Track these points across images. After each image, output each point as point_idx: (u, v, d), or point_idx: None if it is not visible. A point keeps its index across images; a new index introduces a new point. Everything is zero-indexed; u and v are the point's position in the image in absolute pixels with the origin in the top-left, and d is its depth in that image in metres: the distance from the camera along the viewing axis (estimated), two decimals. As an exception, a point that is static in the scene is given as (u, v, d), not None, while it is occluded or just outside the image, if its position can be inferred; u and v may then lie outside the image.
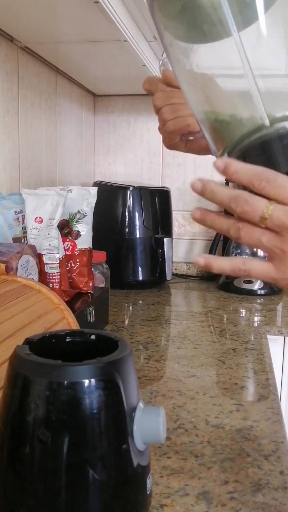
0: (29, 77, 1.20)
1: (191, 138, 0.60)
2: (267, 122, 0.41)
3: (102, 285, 1.17)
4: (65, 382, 0.39)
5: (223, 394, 0.75)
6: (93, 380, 0.39)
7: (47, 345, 0.47)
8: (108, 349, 0.46)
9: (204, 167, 1.68)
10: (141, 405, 0.43)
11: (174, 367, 0.85)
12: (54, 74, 1.36)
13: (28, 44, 1.11)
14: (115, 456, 0.40)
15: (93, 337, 0.48)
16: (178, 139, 0.61)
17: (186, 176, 1.70)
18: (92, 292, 1.03)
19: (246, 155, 0.43)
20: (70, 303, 0.96)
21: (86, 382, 0.39)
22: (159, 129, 0.62)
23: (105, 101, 1.73)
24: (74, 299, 0.99)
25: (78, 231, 1.02)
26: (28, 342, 0.46)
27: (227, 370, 0.84)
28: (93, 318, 0.97)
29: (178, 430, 0.63)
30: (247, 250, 1.55)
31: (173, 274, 1.58)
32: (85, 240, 1.03)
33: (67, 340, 0.48)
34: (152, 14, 0.46)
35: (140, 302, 1.34)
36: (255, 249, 1.53)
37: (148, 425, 0.42)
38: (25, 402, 0.40)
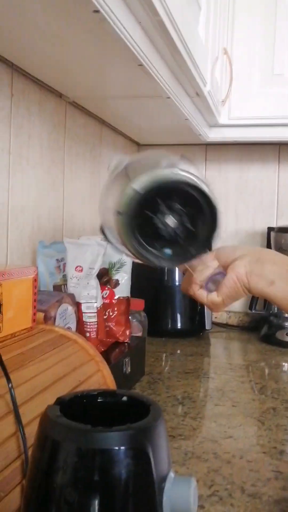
0: (75, 129, 1.24)
1: (207, 285, 0.61)
2: None
3: (140, 334, 1.16)
4: (94, 448, 0.38)
5: (261, 458, 0.71)
6: (122, 448, 0.38)
7: (78, 405, 0.47)
8: (139, 412, 0.45)
9: (245, 216, 1.67)
10: (171, 474, 0.41)
11: (211, 426, 0.82)
12: (99, 125, 1.40)
13: (75, 99, 1.16)
14: (142, 531, 0.38)
15: (124, 398, 0.47)
16: (197, 290, 0.61)
17: (228, 224, 1.69)
18: (128, 341, 1.02)
19: None
20: (106, 353, 0.95)
21: (116, 450, 0.38)
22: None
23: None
24: (110, 348, 0.98)
25: (117, 279, 1.03)
26: (60, 402, 0.45)
27: (266, 432, 0.81)
28: (129, 369, 0.96)
29: (212, 498, 0.60)
30: None
31: (213, 323, 1.56)
32: (123, 289, 1.03)
33: (98, 400, 0.48)
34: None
35: (178, 351, 1.32)
36: None
37: (178, 497, 0.40)
38: (53, 467, 0.39)
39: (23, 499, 0.42)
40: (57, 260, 1.05)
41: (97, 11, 0.60)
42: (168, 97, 0.93)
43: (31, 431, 0.53)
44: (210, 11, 1.05)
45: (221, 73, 1.18)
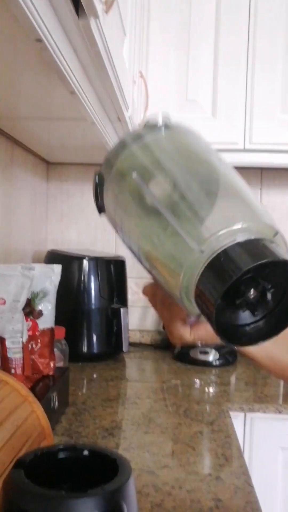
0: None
1: (191, 320, 0.54)
2: (197, 255, 0.40)
3: (61, 363, 1.13)
4: (71, 517, 0.36)
5: (199, 487, 0.73)
6: (99, 513, 0.37)
7: (38, 463, 0.45)
8: (103, 465, 0.44)
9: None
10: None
11: (144, 456, 0.83)
12: (10, 144, 1.36)
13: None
14: None
15: (86, 453, 0.46)
16: (180, 326, 0.55)
17: (139, 244, 1.72)
18: (53, 374, 0.99)
19: (199, 294, 0.41)
20: (32, 389, 0.91)
21: (93, 515, 0.37)
22: (163, 327, 0.61)
23: (59, 169, 1.74)
24: (35, 383, 0.95)
25: (41, 310, 1.00)
26: (20, 464, 0.43)
27: (198, 458, 0.83)
28: (57, 404, 0.93)
29: (161, 537, 0.60)
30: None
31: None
32: (47, 319, 1.00)
33: (59, 457, 0.46)
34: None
35: (96, 376, 1.31)
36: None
37: None
38: None
39: None
40: (-26, 290, 0.99)
41: (39, 40, 0.59)
42: (93, 123, 0.92)
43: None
44: (131, 34, 1.07)
45: (137, 97, 1.20)
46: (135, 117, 1.24)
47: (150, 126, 0.51)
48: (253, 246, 0.39)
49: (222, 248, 0.39)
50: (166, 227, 0.43)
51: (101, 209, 0.54)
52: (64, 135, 1.24)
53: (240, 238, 0.39)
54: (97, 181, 0.53)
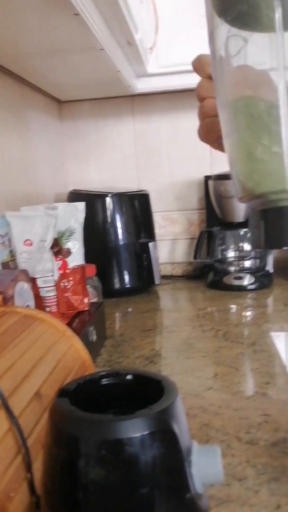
0: (-4, 91, 1.15)
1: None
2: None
3: (95, 299, 1.14)
4: (121, 438, 0.36)
5: (247, 405, 0.73)
6: (148, 433, 0.36)
7: (82, 392, 0.44)
8: (147, 389, 0.43)
9: (179, 166, 1.66)
10: (195, 446, 0.41)
11: (188, 380, 0.83)
12: (19, 85, 1.30)
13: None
14: (181, 508, 0.37)
15: (129, 377, 0.45)
16: (215, 136, 0.52)
17: (163, 176, 1.67)
18: (88, 309, 1.00)
19: (266, 213, 0.40)
20: (70, 325, 0.92)
21: (142, 436, 0.36)
22: (198, 116, 0.53)
23: (71, 107, 1.68)
24: (72, 319, 0.95)
25: (69, 248, 0.99)
26: (65, 392, 0.42)
27: (242, 378, 0.83)
28: (95, 337, 0.94)
29: (213, 453, 0.61)
30: (232, 246, 1.54)
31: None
32: (76, 257, 0.99)
33: (102, 383, 0.45)
34: None
35: (131, 309, 1.32)
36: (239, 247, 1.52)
37: (207, 468, 0.39)
38: (77, 465, 0.36)
39: (44, 501, 0.40)
40: (0, 236, 0.99)
41: None
42: (102, 49, 0.87)
43: (24, 422, 0.51)
44: None
45: (146, 18, 1.13)
46: (145, 41, 1.17)
47: None
48: None
49: None
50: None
51: None
52: (74, 68, 1.18)
53: None
54: None
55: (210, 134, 0.52)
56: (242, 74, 0.42)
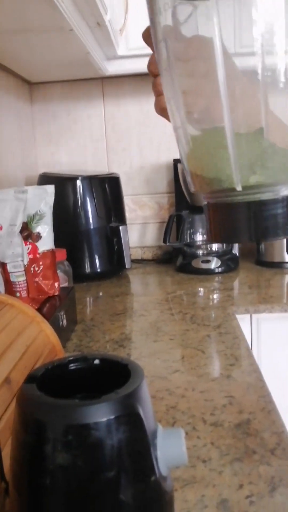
0: None
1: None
2: (239, 188, 0.40)
3: (66, 284, 1.14)
4: (87, 423, 0.37)
5: (211, 387, 0.75)
6: (114, 417, 0.38)
7: (50, 377, 0.45)
8: (115, 373, 0.44)
9: (149, 150, 1.66)
10: (160, 429, 0.42)
11: (156, 363, 0.85)
12: (-13, 64, 1.28)
13: None
14: (147, 491, 0.39)
15: (96, 361, 0.46)
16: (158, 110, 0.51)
17: (132, 160, 1.67)
18: (59, 294, 1.00)
19: (217, 207, 0.42)
20: (40, 310, 0.92)
21: (108, 420, 0.37)
22: (153, 91, 0.51)
23: (42, 89, 1.66)
24: (42, 304, 0.95)
25: (39, 232, 0.98)
26: (32, 378, 0.43)
27: (208, 360, 0.85)
28: (65, 322, 0.94)
29: (179, 435, 0.62)
30: (200, 230, 1.56)
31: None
32: (46, 241, 0.99)
33: (70, 368, 0.46)
34: None
35: (102, 294, 1.32)
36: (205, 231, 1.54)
37: (172, 450, 0.41)
38: (44, 450, 0.37)
39: (12, 486, 0.41)
40: None
41: None
42: (71, 29, 0.86)
43: (-6, 408, 0.51)
44: None
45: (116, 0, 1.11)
46: (115, 22, 1.15)
47: None
48: None
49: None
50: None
51: None
52: (43, 49, 1.16)
53: None
54: None
55: (165, 110, 0.51)
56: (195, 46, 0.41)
